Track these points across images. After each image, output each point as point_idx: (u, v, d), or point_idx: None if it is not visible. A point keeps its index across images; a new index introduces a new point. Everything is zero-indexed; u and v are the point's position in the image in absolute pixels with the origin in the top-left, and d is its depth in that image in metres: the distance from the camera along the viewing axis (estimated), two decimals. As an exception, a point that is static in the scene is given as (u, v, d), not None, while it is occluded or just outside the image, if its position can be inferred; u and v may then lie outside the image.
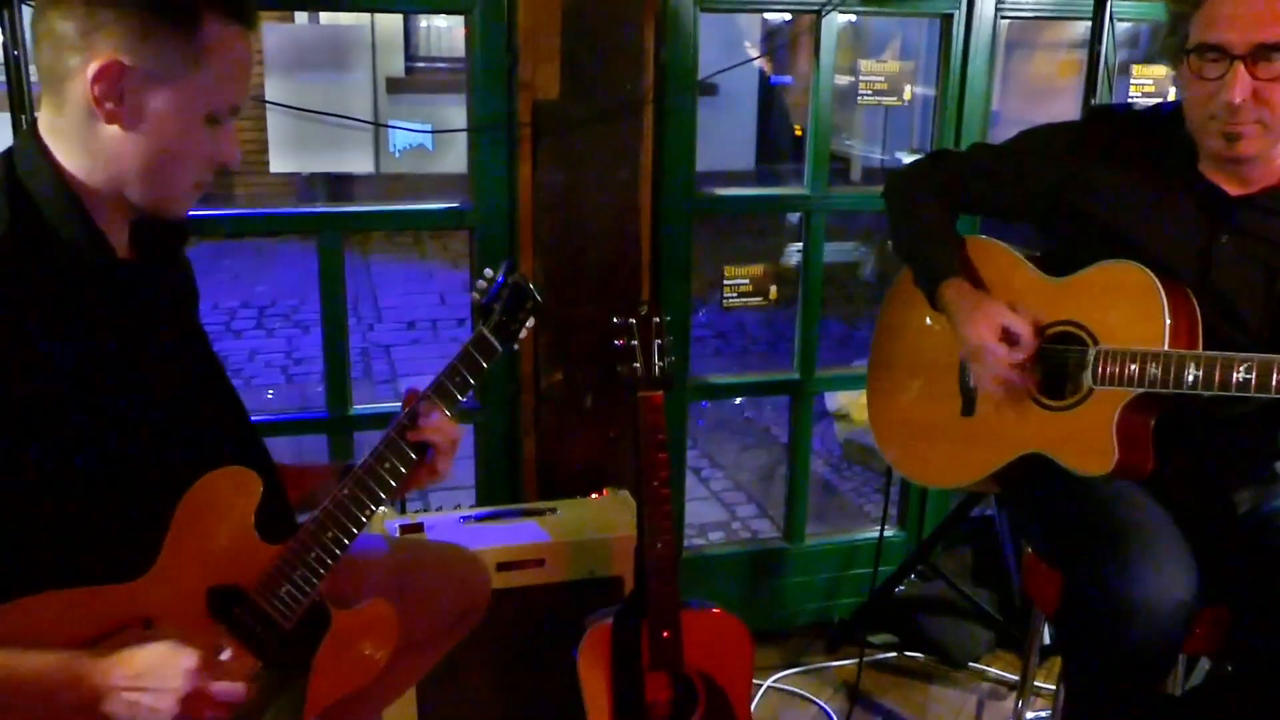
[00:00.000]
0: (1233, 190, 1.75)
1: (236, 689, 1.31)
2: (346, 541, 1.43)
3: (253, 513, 1.39)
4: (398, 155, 3.40)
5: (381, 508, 1.49)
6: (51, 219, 1.28)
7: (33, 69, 2.02)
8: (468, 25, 2.36)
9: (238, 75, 1.33)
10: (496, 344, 1.54)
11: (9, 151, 1.33)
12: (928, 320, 2.03)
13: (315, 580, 1.40)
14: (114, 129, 1.27)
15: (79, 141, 1.29)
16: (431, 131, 2.76)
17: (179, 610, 1.33)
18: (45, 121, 1.31)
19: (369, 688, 1.60)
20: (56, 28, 1.25)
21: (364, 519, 1.44)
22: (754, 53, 8.50)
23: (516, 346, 1.60)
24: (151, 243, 1.42)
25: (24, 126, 1.96)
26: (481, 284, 1.57)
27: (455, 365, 1.52)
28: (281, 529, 1.43)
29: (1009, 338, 1.82)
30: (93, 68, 1.24)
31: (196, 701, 1.27)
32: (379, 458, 1.48)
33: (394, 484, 1.48)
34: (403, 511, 2.37)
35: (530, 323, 1.59)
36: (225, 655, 1.35)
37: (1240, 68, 1.61)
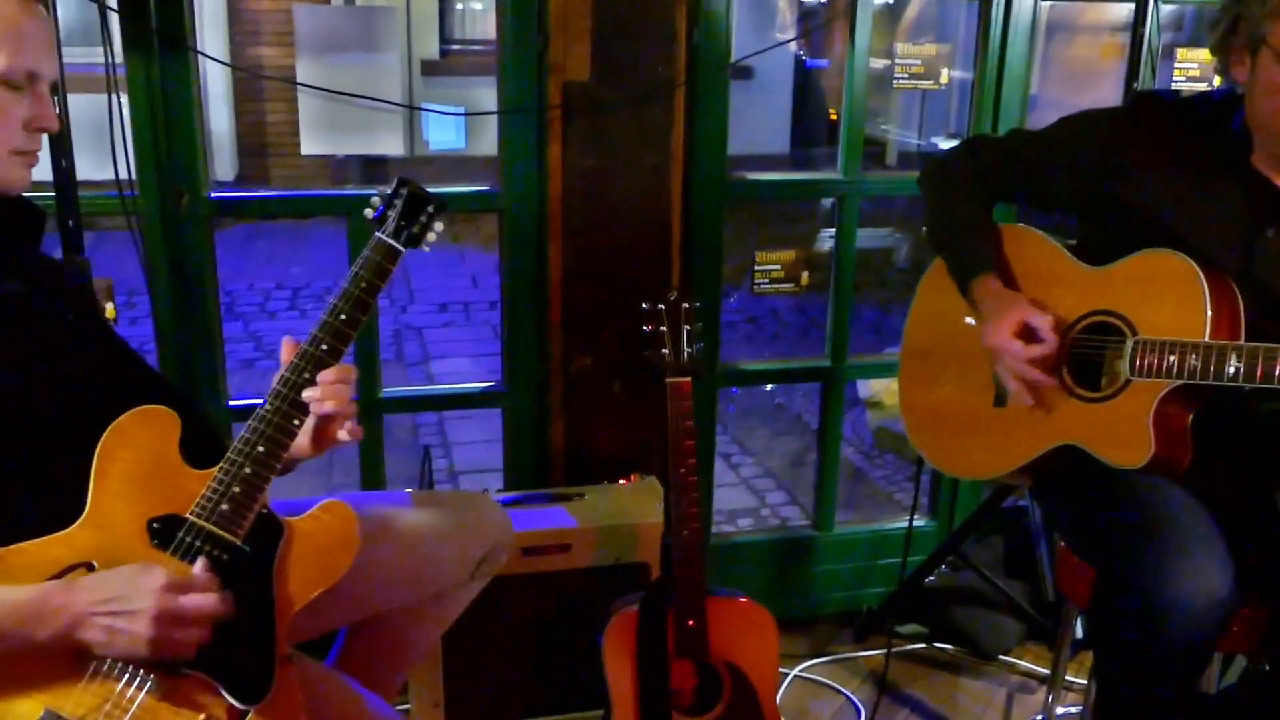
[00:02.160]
0: (1283, 183, 1.70)
1: (208, 600, 1.33)
2: (280, 453, 1.44)
3: (175, 443, 1.42)
4: (431, 148, 3.40)
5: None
6: None
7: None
8: (499, 7, 2.34)
9: (22, 41, 1.37)
10: (397, 245, 1.53)
11: None
12: (961, 309, 1.99)
13: (255, 492, 1.42)
14: None
15: None
16: (463, 114, 2.75)
17: (119, 547, 1.35)
18: None
19: (395, 638, 1.60)
20: None
21: (291, 428, 1.45)
22: (789, 36, 8.43)
23: (426, 249, 1.58)
24: (6, 227, 1.46)
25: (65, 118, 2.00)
26: (375, 198, 1.57)
27: (357, 271, 1.51)
28: (214, 458, 1.45)
29: (1030, 335, 1.79)
30: None
31: (171, 620, 1.30)
32: (280, 380, 1.48)
33: (301, 403, 1.47)
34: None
35: (439, 226, 1.58)
36: (197, 568, 1.37)
37: None
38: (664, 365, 1.93)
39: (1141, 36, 2.40)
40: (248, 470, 1.42)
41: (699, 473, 1.95)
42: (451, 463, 4.18)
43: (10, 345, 1.40)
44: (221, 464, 1.42)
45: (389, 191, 1.57)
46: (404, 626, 1.85)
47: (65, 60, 2.07)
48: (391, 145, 2.51)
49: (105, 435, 1.39)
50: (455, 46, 9.29)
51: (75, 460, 1.38)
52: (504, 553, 1.87)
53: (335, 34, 2.47)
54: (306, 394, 1.45)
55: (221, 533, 1.40)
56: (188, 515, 1.40)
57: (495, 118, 2.43)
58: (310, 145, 2.44)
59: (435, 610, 1.87)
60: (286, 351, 1.50)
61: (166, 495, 1.40)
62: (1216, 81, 2.65)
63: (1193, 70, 2.73)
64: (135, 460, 1.40)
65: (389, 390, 2.53)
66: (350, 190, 2.81)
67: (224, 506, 1.40)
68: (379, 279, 1.52)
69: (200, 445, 1.45)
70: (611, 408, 2.53)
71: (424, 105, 2.83)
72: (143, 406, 1.42)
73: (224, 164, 8.70)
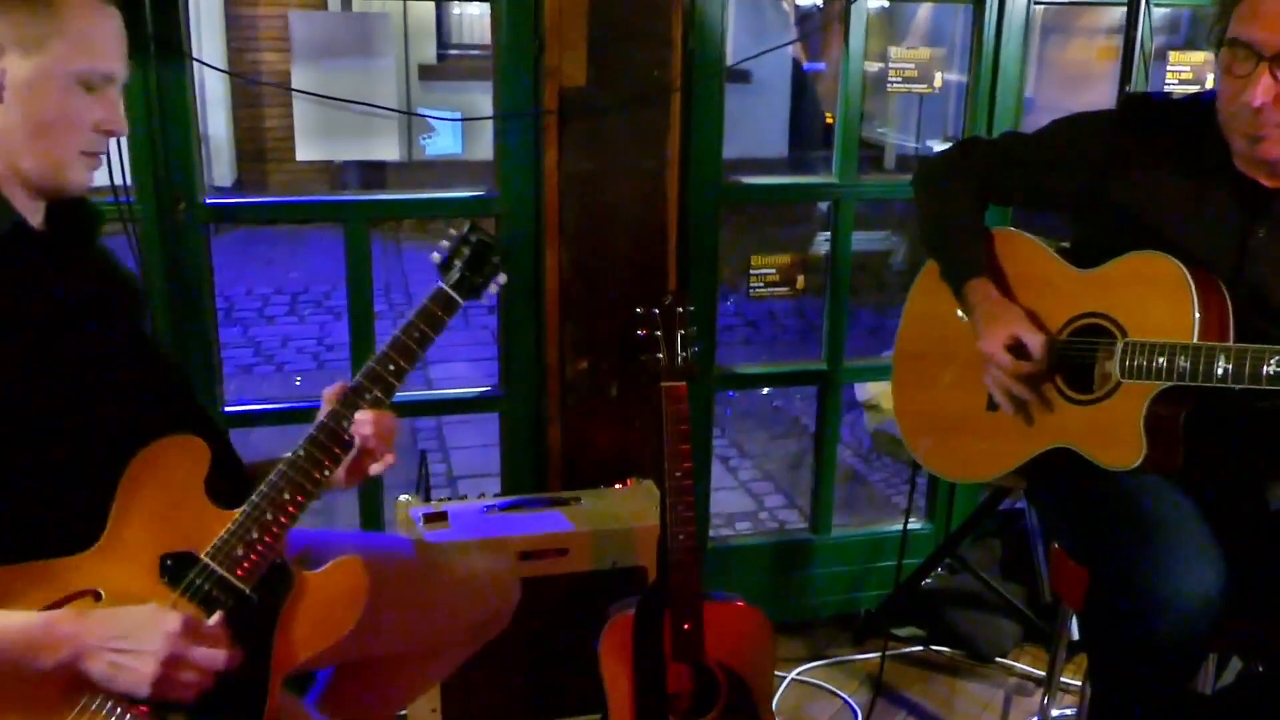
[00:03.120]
0: (1269, 183, 1.71)
1: (217, 655, 1.32)
2: (303, 500, 1.42)
3: (202, 479, 1.40)
4: (428, 154, 3.39)
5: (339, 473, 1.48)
6: None
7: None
8: (494, 11, 2.35)
9: (101, 42, 1.38)
10: (457, 297, 1.52)
11: None
12: (954, 313, 2.00)
13: (272, 540, 1.39)
14: None
15: None
16: (459, 119, 2.75)
17: (129, 579, 1.34)
18: None
19: (383, 690, 1.59)
20: None
21: (321, 478, 1.44)
22: (786, 40, 8.44)
23: (485, 300, 1.58)
24: (68, 226, 1.46)
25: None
26: (444, 243, 1.56)
27: (413, 321, 1.50)
28: (239, 496, 1.43)
29: (1019, 350, 1.80)
30: None
31: (177, 665, 1.28)
32: (318, 427, 1.47)
33: (337, 453, 1.47)
34: (427, 499, 2.38)
35: (501, 279, 1.57)
36: (214, 620, 1.35)
37: (1265, 70, 1.56)
38: (660, 369, 1.94)
39: (1134, 39, 2.40)
40: (269, 516, 1.40)
41: (696, 476, 1.96)
42: (449, 467, 4.18)
43: (63, 349, 1.37)
44: (244, 506, 1.40)
45: (457, 236, 1.54)
46: (394, 674, 1.82)
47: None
48: (388, 150, 2.52)
49: (134, 461, 1.36)
50: (452, 51, 9.30)
51: (101, 480, 1.35)
52: (507, 617, 1.84)
53: (331, 39, 2.48)
54: (358, 416, 1.44)
55: (232, 579, 1.38)
56: (202, 556, 1.38)
57: (491, 122, 2.43)
58: (306, 151, 2.44)
59: (429, 664, 1.84)
60: (331, 397, 1.49)
61: (184, 531, 1.38)
62: (1209, 83, 2.66)
63: (1185, 73, 2.73)
64: (159, 491, 1.38)
65: (386, 395, 2.53)
66: (349, 195, 2.82)
67: (239, 551, 1.38)
68: (433, 330, 1.50)
69: (226, 480, 1.43)
70: (608, 412, 2.53)
71: (420, 110, 2.83)
72: (175, 436, 1.39)
73: (222, 169, 8.71)
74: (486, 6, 2.37)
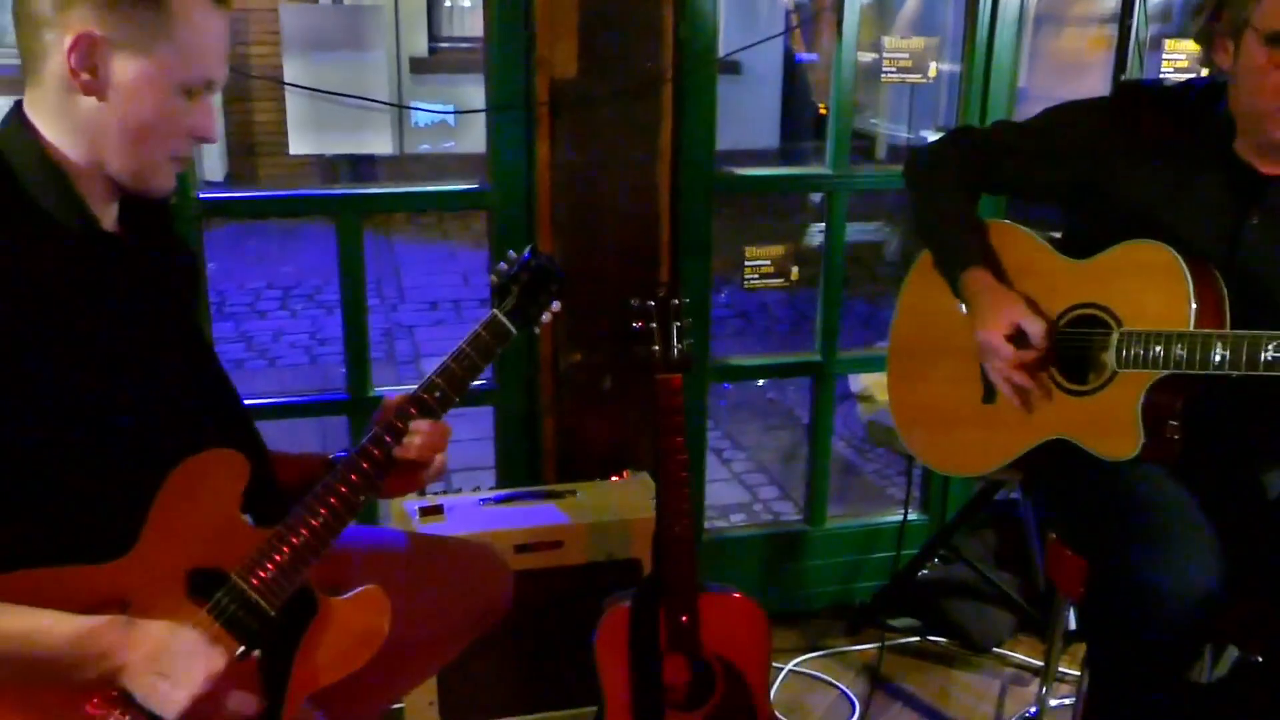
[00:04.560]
0: (1265, 169, 1.71)
1: (248, 703, 1.32)
2: (337, 527, 1.41)
3: (239, 495, 1.38)
4: (420, 127, 3.38)
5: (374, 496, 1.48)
6: (32, 190, 1.31)
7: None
8: (486, 3, 2.34)
9: (208, 49, 1.36)
10: (511, 327, 1.51)
11: None
12: (948, 304, 2.00)
13: (302, 566, 1.38)
14: (91, 101, 1.31)
15: (60, 116, 1.32)
16: (451, 112, 2.74)
17: (157, 592, 1.33)
18: (29, 99, 1.35)
19: (380, 684, 1.58)
20: (33, 7, 1.30)
21: (356, 506, 1.43)
22: (778, 31, 8.42)
23: (538, 330, 1.57)
24: (139, 221, 1.43)
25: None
26: (503, 266, 1.53)
27: (464, 349, 1.49)
28: (272, 513, 1.42)
29: (1020, 337, 1.79)
30: (67, 40, 1.28)
31: (209, 703, 1.28)
32: (361, 454, 1.46)
33: (379, 484, 1.47)
34: (422, 493, 2.37)
35: (555, 306, 1.55)
36: (245, 657, 1.34)
37: None
38: (654, 361, 1.93)
39: (1129, 28, 2.40)
40: (300, 539, 1.38)
41: (690, 468, 1.95)
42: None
43: (118, 354, 1.35)
44: (277, 526, 1.39)
45: (518, 261, 1.51)
46: (392, 666, 1.81)
47: None
48: (380, 144, 2.51)
49: (174, 473, 1.35)
50: (443, 44, 9.27)
51: (140, 489, 1.34)
52: (503, 607, 1.83)
53: (322, 33, 2.47)
54: (409, 436, 1.44)
55: (259, 600, 1.36)
56: (231, 574, 1.36)
57: (483, 115, 2.42)
58: (298, 145, 2.43)
59: (426, 655, 1.83)
60: (385, 413, 1.48)
61: (216, 547, 1.37)
62: (1204, 72, 2.66)
63: (1180, 61, 2.73)
64: (195, 505, 1.36)
65: (379, 390, 2.53)
66: (340, 190, 2.80)
67: (267, 573, 1.37)
68: (483, 360, 1.49)
69: (260, 495, 1.42)
70: (602, 404, 2.53)
71: (412, 103, 2.82)
72: (217, 449, 1.38)
73: (213, 163, 8.67)
74: (477, -1, 2.36)
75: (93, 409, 1.31)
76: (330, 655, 1.42)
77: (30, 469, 1.27)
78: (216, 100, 1.41)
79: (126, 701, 1.28)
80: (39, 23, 1.29)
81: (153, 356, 1.40)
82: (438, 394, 1.47)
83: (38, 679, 1.26)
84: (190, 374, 1.47)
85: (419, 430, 1.47)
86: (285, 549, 1.38)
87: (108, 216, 1.39)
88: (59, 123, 1.32)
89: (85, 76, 1.29)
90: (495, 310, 1.52)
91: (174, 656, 1.27)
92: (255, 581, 1.37)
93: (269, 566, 1.37)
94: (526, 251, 1.55)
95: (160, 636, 1.28)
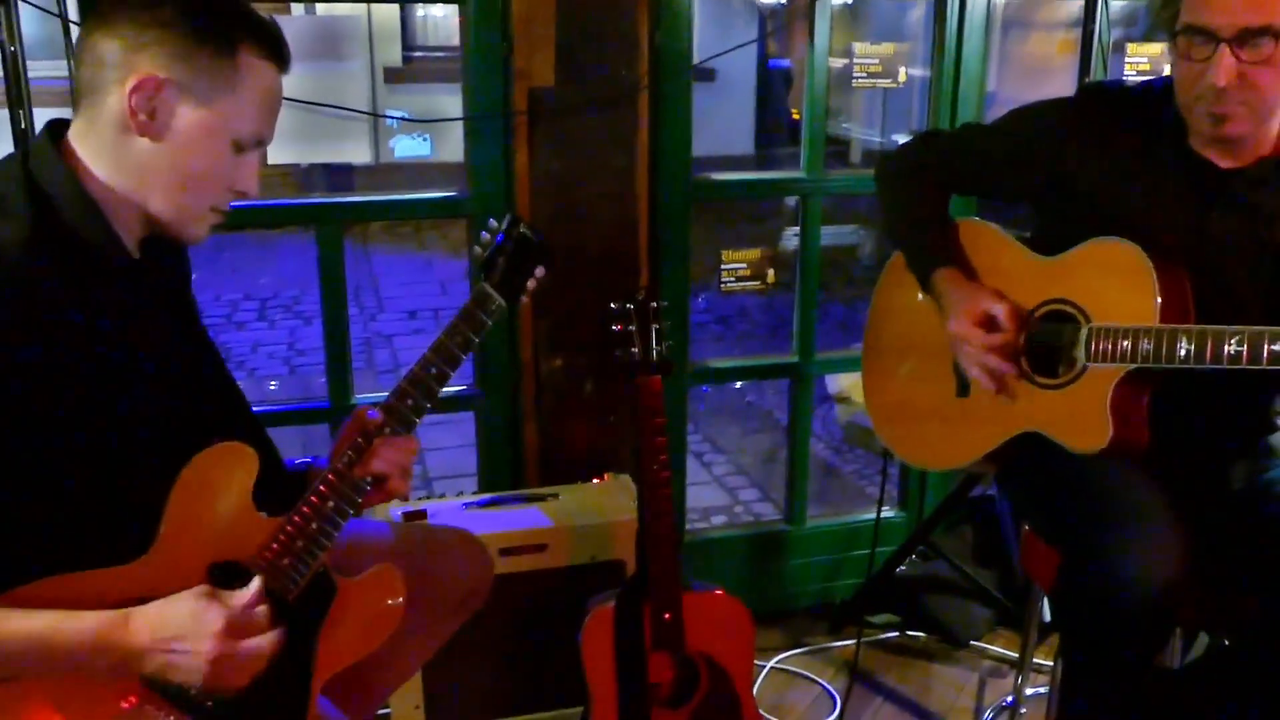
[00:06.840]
0: (1224, 164, 1.75)
1: (263, 644, 1.35)
2: (350, 511, 1.44)
3: (250, 487, 1.40)
4: (398, 157, 3.40)
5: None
6: (70, 221, 1.32)
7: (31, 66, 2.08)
8: (462, 13, 2.36)
9: (267, 108, 1.39)
10: (500, 299, 1.52)
11: (23, 156, 1.37)
12: (920, 302, 2.04)
13: (318, 551, 1.41)
14: (145, 142, 1.33)
15: (108, 151, 1.34)
16: (427, 120, 2.76)
17: (179, 587, 1.34)
18: (77, 130, 1.37)
19: (374, 671, 1.60)
20: (100, 46, 1.32)
21: (365, 485, 1.46)
22: (751, 38, 8.47)
23: (525, 298, 1.57)
24: (154, 244, 1.45)
25: (32, 131, 2.01)
26: (485, 236, 1.54)
27: (457, 324, 1.50)
28: (283, 504, 1.44)
29: (991, 324, 1.83)
30: (131, 81, 1.30)
31: (227, 661, 1.32)
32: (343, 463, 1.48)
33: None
34: (405, 499, 2.38)
35: (540, 272, 1.56)
36: (258, 611, 1.36)
37: (1226, 51, 1.61)
38: (634, 364, 1.96)
39: (1092, 32, 2.45)
40: (314, 526, 1.41)
41: (671, 470, 1.98)
42: (425, 469, 4.19)
43: (129, 368, 1.37)
44: (290, 515, 1.41)
45: (500, 229, 1.52)
46: (382, 660, 1.83)
47: (30, 74, 2.07)
48: (358, 154, 2.52)
49: (186, 470, 1.37)
50: (418, 53, 9.28)
51: (153, 489, 1.36)
52: (485, 593, 1.86)
53: (298, 43, 2.47)
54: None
55: (278, 589, 1.39)
56: (250, 565, 1.39)
57: (461, 124, 2.44)
58: (275, 155, 2.43)
59: (414, 644, 1.84)
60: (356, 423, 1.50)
61: (232, 540, 1.39)
62: (1165, 72, 2.72)
63: (1143, 65, 2.78)
64: (209, 499, 1.38)
65: (361, 398, 2.54)
66: (317, 199, 2.82)
67: (285, 561, 1.40)
68: (475, 333, 1.50)
69: (270, 487, 1.44)
70: (583, 408, 2.55)
71: (388, 113, 2.84)
72: (226, 443, 1.40)
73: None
74: (450, 8, 2.39)
75: (117, 425, 1.34)
76: (352, 633, 1.46)
77: (52, 482, 1.29)
78: (260, 158, 1.43)
79: (152, 692, 1.32)
80: (104, 62, 1.31)
81: (170, 369, 1.43)
82: (432, 370, 1.50)
83: (63, 674, 1.29)
84: (201, 378, 1.50)
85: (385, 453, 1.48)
86: (301, 534, 1.41)
87: (132, 244, 1.41)
88: (106, 157, 1.34)
89: (143, 118, 1.31)
90: (483, 283, 1.52)
91: (178, 627, 1.30)
92: (273, 569, 1.40)
93: (286, 552, 1.40)
94: (507, 218, 1.55)
95: (157, 615, 1.30)
